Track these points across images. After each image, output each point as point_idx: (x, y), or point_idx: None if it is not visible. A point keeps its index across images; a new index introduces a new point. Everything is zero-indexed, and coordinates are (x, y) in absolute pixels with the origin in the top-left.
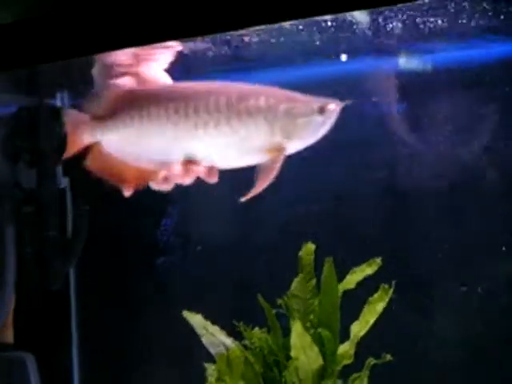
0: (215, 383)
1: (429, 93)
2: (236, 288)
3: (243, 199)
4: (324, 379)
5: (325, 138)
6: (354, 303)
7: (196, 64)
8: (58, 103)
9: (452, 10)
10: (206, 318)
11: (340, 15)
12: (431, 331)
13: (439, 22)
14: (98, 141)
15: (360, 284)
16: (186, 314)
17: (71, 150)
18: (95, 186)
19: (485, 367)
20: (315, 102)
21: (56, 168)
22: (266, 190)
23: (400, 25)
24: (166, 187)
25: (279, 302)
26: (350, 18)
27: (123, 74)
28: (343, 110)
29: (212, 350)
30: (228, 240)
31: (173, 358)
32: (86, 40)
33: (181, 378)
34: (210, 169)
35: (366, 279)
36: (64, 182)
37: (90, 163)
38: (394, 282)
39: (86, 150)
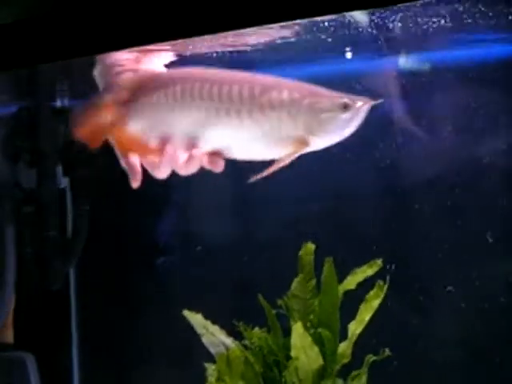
0: (215, 383)
1: (438, 91)
2: (236, 288)
3: (251, 180)
4: (324, 379)
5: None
6: (353, 303)
7: (196, 64)
8: (58, 103)
9: (452, 10)
10: (206, 317)
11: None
12: (431, 331)
13: (441, 21)
14: (125, 125)
15: (360, 284)
16: (186, 314)
17: (99, 138)
18: (95, 186)
19: (485, 367)
20: (340, 97)
21: (56, 168)
22: (266, 190)
23: (400, 24)
24: (165, 173)
25: (279, 302)
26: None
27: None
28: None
29: (212, 350)
30: (228, 240)
31: (173, 357)
32: (87, 40)
33: (181, 378)
34: (214, 157)
35: (367, 279)
36: (64, 182)
37: (117, 146)
38: (388, 278)
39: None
